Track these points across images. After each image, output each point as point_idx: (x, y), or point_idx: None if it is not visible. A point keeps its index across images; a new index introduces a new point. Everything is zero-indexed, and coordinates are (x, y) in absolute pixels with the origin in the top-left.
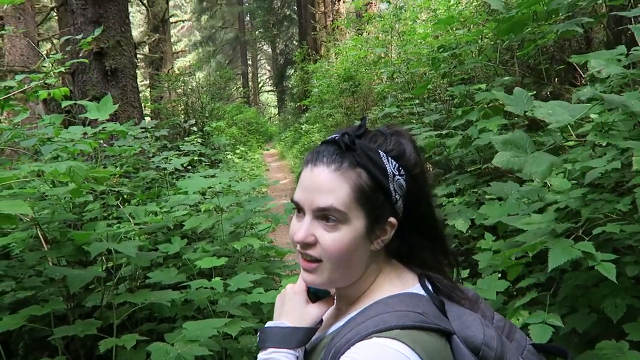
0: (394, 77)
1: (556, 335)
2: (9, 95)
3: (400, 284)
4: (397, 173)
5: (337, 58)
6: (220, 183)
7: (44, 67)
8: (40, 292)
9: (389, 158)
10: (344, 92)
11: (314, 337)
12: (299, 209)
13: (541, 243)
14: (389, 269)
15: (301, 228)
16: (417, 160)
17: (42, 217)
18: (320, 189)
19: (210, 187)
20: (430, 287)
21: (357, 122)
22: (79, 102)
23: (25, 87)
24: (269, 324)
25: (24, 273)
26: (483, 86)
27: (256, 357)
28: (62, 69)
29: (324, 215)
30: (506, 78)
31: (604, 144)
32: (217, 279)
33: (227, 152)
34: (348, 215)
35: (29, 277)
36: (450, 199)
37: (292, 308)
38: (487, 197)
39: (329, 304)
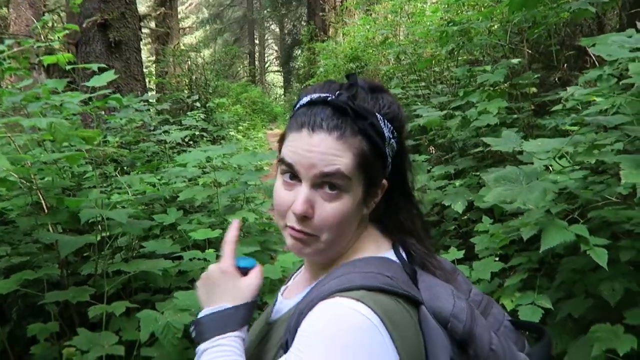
0: (401, 58)
1: (552, 321)
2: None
3: (374, 249)
4: (391, 136)
5: (344, 39)
6: (218, 156)
7: (40, 32)
8: (35, 259)
9: (385, 121)
10: (349, 72)
11: (280, 306)
12: (292, 175)
13: (536, 224)
14: (366, 234)
15: (300, 198)
16: (405, 120)
17: (41, 184)
18: (323, 155)
19: (209, 161)
20: (404, 254)
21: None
22: (82, 66)
23: (14, 50)
24: (203, 312)
25: (21, 240)
26: (488, 67)
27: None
28: (60, 35)
29: (326, 182)
30: (513, 60)
31: (593, 162)
32: (211, 250)
33: (230, 130)
34: (352, 181)
35: (26, 243)
36: (452, 181)
37: (228, 287)
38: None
39: (261, 272)
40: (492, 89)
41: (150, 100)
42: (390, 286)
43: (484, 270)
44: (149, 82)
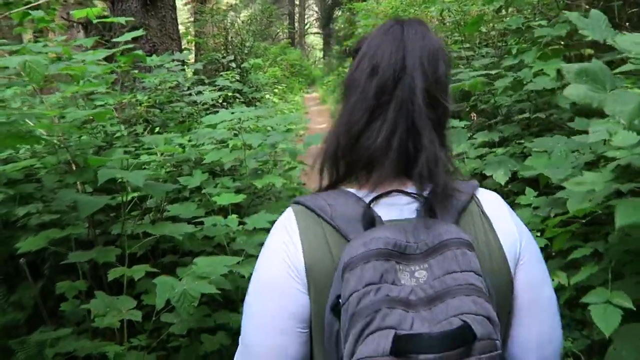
0: (443, 17)
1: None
2: (28, 7)
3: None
4: None
5: None
6: (249, 118)
7: None
8: (65, 217)
9: None
10: None
11: None
12: None
13: (600, 206)
14: None
15: None
16: None
17: (71, 142)
18: None
19: (239, 123)
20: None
21: None
22: (110, 20)
23: (41, 1)
24: None
25: (54, 197)
26: (544, 22)
27: None
28: None
29: None
30: (574, 13)
31: None
32: (234, 216)
33: (266, 92)
34: None
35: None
36: (493, 149)
37: None
38: (534, 150)
39: None
40: (545, 48)
41: (186, 60)
42: (317, 208)
43: None
44: (187, 42)
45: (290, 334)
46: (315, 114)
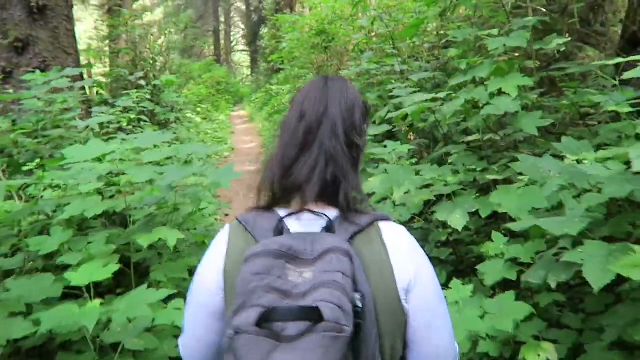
0: (375, 28)
1: None
2: None
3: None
4: None
5: (310, 13)
6: (131, 148)
7: None
8: None
9: None
10: (315, 47)
11: None
12: None
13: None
14: None
15: None
16: None
17: None
18: None
19: (122, 156)
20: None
21: None
22: None
23: None
24: None
25: None
26: (495, 32)
27: None
28: None
29: None
30: (530, 18)
31: None
32: (95, 303)
33: (187, 112)
34: None
35: None
36: (440, 175)
37: None
38: (489, 176)
39: None
40: (498, 61)
41: (71, 75)
42: (244, 221)
43: (504, 313)
44: (94, 58)
45: (209, 323)
46: (243, 133)
